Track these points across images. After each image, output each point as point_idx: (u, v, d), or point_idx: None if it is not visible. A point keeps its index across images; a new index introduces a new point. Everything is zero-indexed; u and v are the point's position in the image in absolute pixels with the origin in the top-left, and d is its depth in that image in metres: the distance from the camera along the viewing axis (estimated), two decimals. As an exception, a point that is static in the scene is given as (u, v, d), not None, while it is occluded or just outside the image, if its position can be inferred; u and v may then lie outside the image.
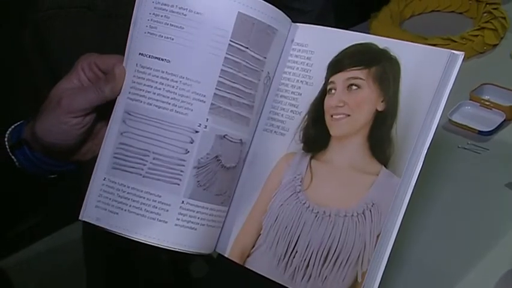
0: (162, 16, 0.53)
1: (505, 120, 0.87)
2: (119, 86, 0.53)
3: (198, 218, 0.54)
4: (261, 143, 0.58)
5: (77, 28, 0.90)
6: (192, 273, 1.17)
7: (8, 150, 0.57)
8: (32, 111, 0.57)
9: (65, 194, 0.64)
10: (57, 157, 0.58)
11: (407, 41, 0.53)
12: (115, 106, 0.54)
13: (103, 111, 0.55)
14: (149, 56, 0.53)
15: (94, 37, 0.89)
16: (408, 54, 0.52)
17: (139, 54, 0.54)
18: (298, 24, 0.58)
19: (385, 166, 0.51)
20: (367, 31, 1.16)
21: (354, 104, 0.54)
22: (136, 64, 0.54)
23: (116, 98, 0.54)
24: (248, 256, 0.57)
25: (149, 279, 1.09)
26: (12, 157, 0.57)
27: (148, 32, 0.54)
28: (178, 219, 0.53)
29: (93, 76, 0.55)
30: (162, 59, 0.53)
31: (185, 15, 0.53)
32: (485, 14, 1.12)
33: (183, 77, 0.53)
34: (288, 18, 0.57)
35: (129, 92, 0.54)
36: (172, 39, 0.53)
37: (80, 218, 0.54)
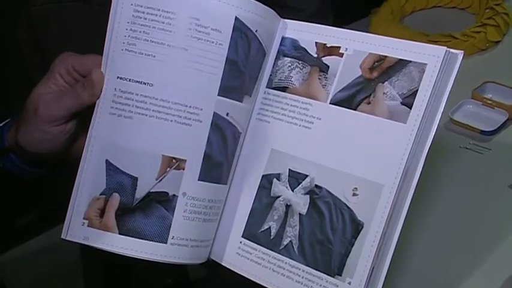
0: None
1: (507, 119, 0.86)
2: (97, 91, 0.50)
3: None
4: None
5: (72, 23, 0.88)
6: (190, 275, 1.16)
7: None
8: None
9: (59, 191, 0.62)
10: (46, 162, 0.56)
11: (407, 37, 0.51)
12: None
13: (88, 113, 0.52)
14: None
15: (90, 32, 0.87)
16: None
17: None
18: (288, 20, 0.55)
19: None
20: (367, 27, 1.15)
21: None
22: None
23: (96, 102, 0.51)
24: None
25: (147, 280, 1.08)
26: None
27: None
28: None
29: (71, 80, 0.52)
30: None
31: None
32: (487, 10, 1.10)
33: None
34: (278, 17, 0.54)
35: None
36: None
37: (62, 237, 0.50)
